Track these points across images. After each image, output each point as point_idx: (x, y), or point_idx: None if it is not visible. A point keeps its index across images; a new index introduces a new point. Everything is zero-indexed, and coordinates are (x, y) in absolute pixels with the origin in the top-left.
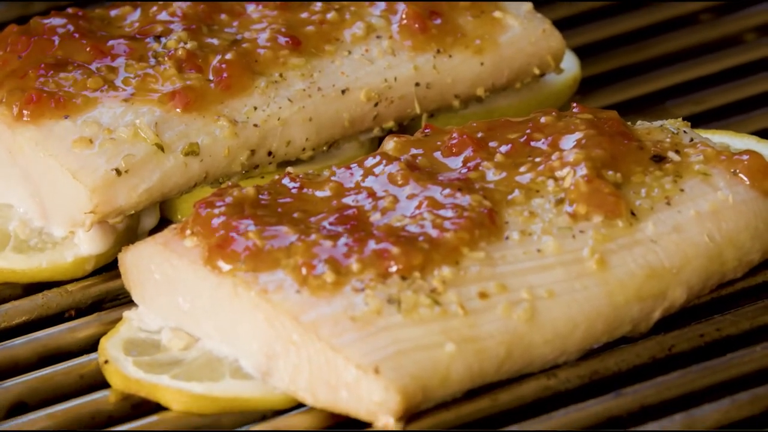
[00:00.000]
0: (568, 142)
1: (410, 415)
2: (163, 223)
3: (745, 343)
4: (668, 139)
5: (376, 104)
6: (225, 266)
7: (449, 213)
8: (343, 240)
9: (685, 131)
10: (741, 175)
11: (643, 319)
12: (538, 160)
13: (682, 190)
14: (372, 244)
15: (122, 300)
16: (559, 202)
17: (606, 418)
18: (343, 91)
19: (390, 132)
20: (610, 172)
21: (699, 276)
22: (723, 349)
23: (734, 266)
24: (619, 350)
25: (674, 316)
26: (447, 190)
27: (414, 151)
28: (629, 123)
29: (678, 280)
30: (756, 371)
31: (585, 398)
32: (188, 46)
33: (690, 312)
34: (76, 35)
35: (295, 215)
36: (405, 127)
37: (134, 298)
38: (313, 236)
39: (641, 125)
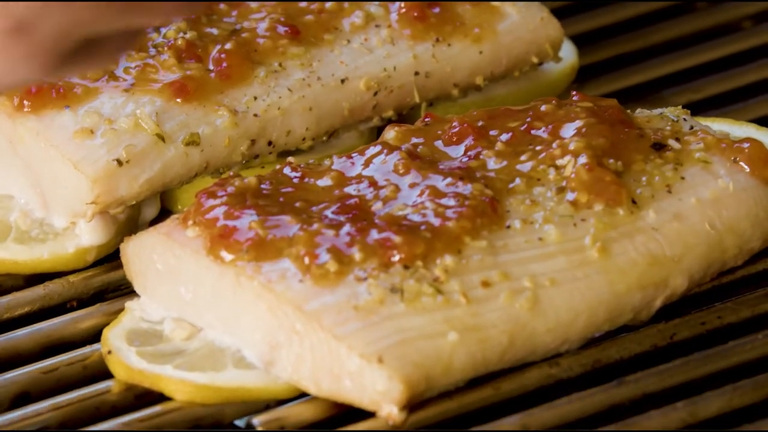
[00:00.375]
0: (569, 130)
1: (413, 404)
2: (164, 213)
3: (746, 331)
4: (668, 127)
5: (375, 93)
6: (227, 256)
7: (451, 202)
8: (345, 229)
9: (685, 119)
10: (741, 163)
11: (645, 308)
12: (538, 148)
13: (682, 178)
14: (374, 234)
15: (124, 290)
16: (561, 190)
17: (608, 405)
18: (342, 81)
19: (389, 121)
20: (611, 161)
21: (700, 264)
22: (724, 337)
23: (735, 254)
24: (621, 338)
25: (675, 304)
26: (448, 179)
27: (415, 140)
28: (628, 111)
29: (679, 268)
30: (757, 359)
31: (587, 386)
32: (188, 36)
33: (691, 300)
34: None
35: (297, 205)
36: (404, 116)
37: (136, 288)
38: (316, 225)
39: (641, 113)
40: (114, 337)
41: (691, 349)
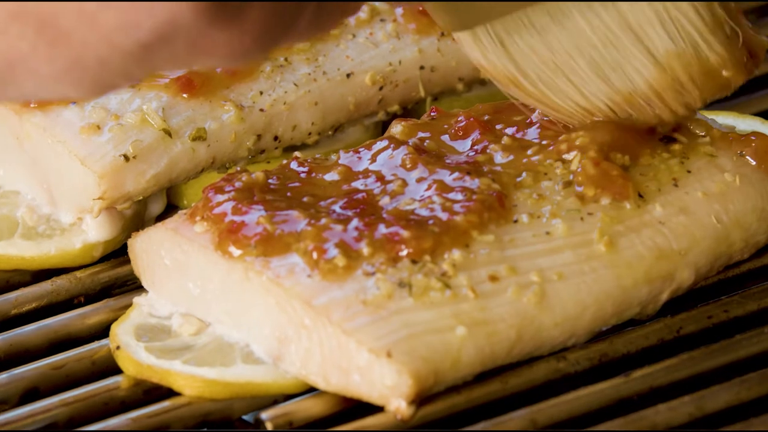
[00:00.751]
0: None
1: (422, 399)
2: (169, 209)
3: (752, 324)
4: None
5: (380, 88)
6: (236, 251)
7: (458, 196)
8: (353, 224)
9: None
10: (747, 156)
11: (651, 301)
12: (545, 142)
13: (689, 172)
14: (382, 228)
15: (131, 286)
16: (567, 184)
17: (616, 400)
18: (348, 75)
19: (394, 116)
20: (618, 155)
21: (706, 257)
22: (731, 331)
23: (741, 248)
24: (628, 333)
25: (681, 297)
26: (456, 174)
27: (421, 134)
28: None
29: (686, 261)
30: (764, 352)
31: (594, 381)
32: None
33: (697, 294)
34: None
35: (305, 199)
36: (409, 110)
37: (144, 283)
38: (324, 220)
39: None
40: (122, 333)
41: (697, 342)
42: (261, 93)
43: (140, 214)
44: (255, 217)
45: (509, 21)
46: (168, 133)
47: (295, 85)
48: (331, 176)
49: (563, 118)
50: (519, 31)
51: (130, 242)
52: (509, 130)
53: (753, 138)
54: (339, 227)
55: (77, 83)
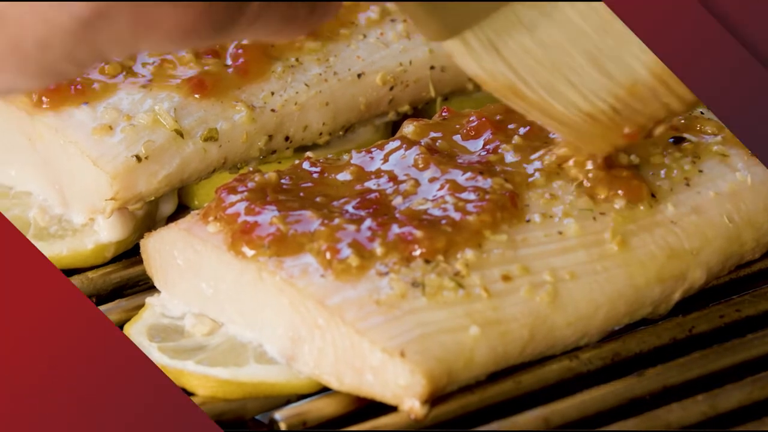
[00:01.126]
0: None
1: (435, 398)
2: (181, 209)
3: (764, 323)
4: (685, 120)
5: (391, 88)
6: (249, 251)
7: (471, 196)
8: (366, 224)
9: (702, 112)
10: None
11: (664, 301)
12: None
13: (700, 171)
14: (395, 228)
15: (142, 286)
16: (580, 184)
17: (628, 399)
18: (359, 75)
19: (405, 116)
20: (623, 154)
21: (718, 257)
22: (743, 330)
23: (752, 247)
24: (640, 332)
25: (693, 297)
26: (468, 173)
27: (433, 134)
28: None
29: (698, 261)
30: None
31: (607, 380)
32: None
33: (709, 293)
34: None
35: (318, 200)
36: (419, 110)
37: (156, 284)
38: (337, 220)
39: None
40: (135, 333)
41: (710, 342)
42: (272, 93)
43: (152, 214)
44: (268, 217)
45: (496, 21)
46: (180, 133)
47: (306, 85)
48: (344, 176)
49: (567, 131)
50: (508, 30)
51: (142, 242)
52: (521, 130)
53: None
54: (352, 227)
55: (21, 69)
